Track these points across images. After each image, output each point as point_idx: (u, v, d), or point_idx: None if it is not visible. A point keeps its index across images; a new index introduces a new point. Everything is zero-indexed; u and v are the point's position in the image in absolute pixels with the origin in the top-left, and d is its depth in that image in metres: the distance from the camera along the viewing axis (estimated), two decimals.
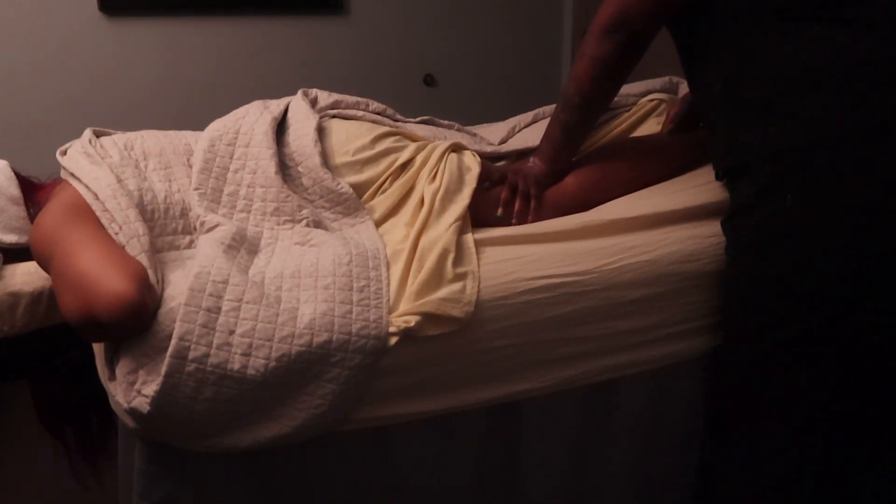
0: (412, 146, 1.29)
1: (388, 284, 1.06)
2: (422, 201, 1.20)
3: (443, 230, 1.13)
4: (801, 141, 0.99)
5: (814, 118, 0.98)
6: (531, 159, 1.32)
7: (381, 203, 1.23)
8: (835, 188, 0.97)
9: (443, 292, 1.04)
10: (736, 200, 1.11)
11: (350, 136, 1.29)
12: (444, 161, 1.25)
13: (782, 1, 1.00)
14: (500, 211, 1.25)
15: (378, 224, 1.21)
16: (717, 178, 1.17)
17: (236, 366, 0.94)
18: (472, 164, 1.27)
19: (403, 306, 1.04)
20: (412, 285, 1.06)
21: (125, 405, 0.95)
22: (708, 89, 1.12)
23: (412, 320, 1.01)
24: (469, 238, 1.15)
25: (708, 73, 1.11)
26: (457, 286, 1.05)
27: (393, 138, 1.31)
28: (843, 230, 0.97)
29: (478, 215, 1.22)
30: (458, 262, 1.09)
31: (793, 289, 1.02)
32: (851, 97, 0.96)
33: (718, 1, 1.05)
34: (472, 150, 1.33)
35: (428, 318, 1.02)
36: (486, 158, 1.39)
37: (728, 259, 1.14)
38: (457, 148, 1.30)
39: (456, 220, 1.15)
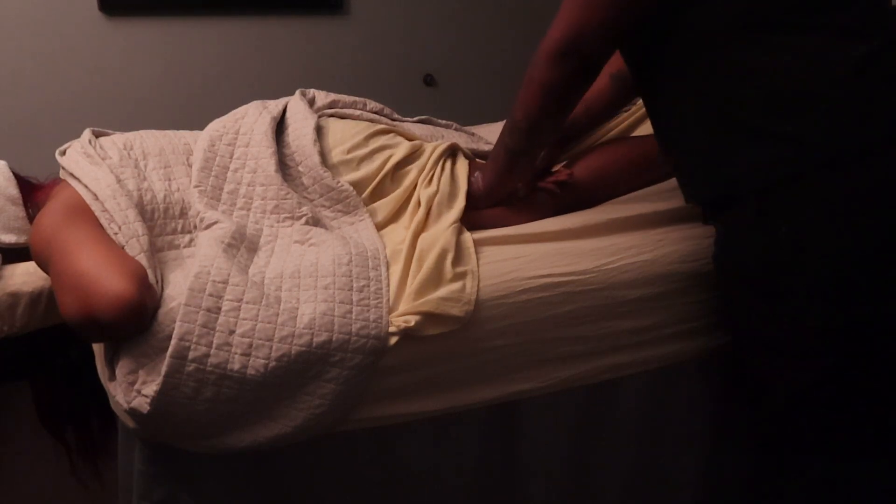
0: (407, 145, 1.29)
1: (388, 284, 1.06)
2: (418, 204, 1.21)
3: (441, 230, 1.14)
4: (792, 167, 0.92)
5: (804, 140, 0.91)
6: (476, 173, 1.27)
7: (382, 208, 1.24)
8: (830, 213, 0.92)
9: (442, 291, 1.04)
10: (723, 233, 1.04)
11: (346, 135, 1.29)
12: (441, 166, 1.25)
13: (760, 11, 0.92)
14: None
15: (380, 228, 1.21)
16: (705, 220, 1.09)
17: (236, 366, 0.94)
18: (462, 170, 1.27)
19: (403, 306, 1.04)
20: (411, 284, 1.06)
21: (125, 405, 0.95)
22: (678, 117, 1.03)
23: (412, 320, 1.01)
24: (468, 237, 1.15)
25: (677, 98, 1.02)
26: (456, 285, 1.05)
27: (387, 136, 1.31)
28: (844, 255, 0.91)
29: None
30: (457, 261, 1.09)
31: (809, 324, 0.95)
32: (839, 115, 0.90)
33: (684, 19, 0.96)
34: (465, 152, 1.33)
35: (428, 317, 1.02)
36: (484, 157, 1.39)
37: (728, 297, 1.07)
38: (454, 151, 1.30)
39: (454, 221, 1.15)
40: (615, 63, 1.28)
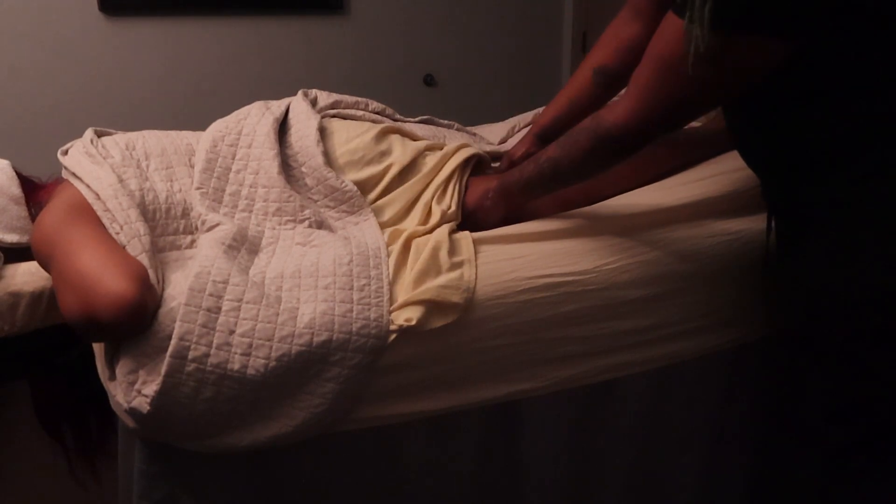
0: (413, 147, 1.29)
1: (389, 283, 1.06)
2: (428, 213, 1.21)
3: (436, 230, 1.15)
4: None
5: None
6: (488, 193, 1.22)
7: (390, 206, 1.23)
8: None
9: (441, 280, 1.04)
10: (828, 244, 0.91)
11: (350, 136, 1.29)
12: (456, 179, 1.25)
13: None
14: None
15: (387, 227, 1.21)
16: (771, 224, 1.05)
17: (236, 365, 0.94)
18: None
19: (402, 296, 1.04)
20: (409, 274, 1.06)
21: (125, 405, 0.95)
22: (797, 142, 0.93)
23: (413, 318, 1.01)
24: (466, 234, 1.15)
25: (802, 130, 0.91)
26: (454, 274, 1.06)
27: (393, 137, 1.31)
28: None
29: None
30: (453, 252, 1.10)
31: None
32: None
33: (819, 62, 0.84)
34: (486, 158, 1.32)
35: (429, 307, 1.02)
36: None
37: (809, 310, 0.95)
38: (467, 163, 1.29)
39: (448, 222, 1.17)
40: (597, 58, 1.27)
